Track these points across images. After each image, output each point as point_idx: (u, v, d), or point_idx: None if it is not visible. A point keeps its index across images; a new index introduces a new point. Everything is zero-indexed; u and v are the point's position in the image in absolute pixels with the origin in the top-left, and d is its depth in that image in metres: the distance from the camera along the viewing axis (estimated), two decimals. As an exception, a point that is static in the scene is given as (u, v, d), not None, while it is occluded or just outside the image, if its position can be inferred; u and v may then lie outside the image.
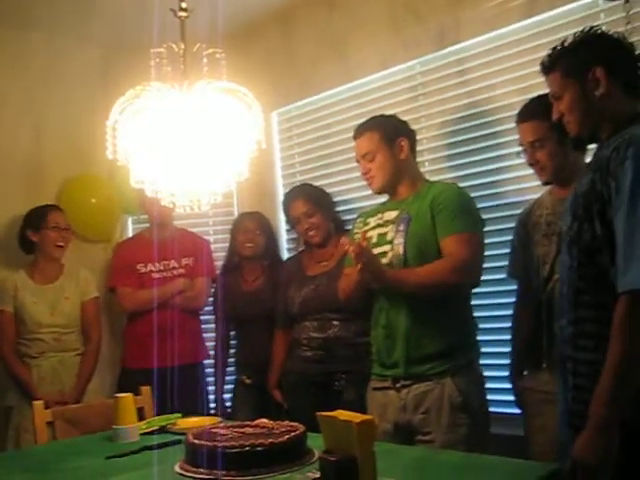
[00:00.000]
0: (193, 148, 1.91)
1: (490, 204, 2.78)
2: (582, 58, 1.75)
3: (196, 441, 1.83)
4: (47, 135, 3.71)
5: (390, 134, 2.50)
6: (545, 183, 2.35)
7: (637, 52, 1.79)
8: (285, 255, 3.58)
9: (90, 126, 3.74)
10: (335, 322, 2.90)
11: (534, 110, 2.25)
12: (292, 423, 1.98)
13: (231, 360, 3.51)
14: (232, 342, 3.52)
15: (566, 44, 1.80)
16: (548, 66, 1.83)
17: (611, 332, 1.55)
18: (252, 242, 3.35)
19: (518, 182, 2.77)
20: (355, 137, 2.58)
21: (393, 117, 2.62)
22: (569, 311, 1.71)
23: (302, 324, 3.01)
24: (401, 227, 2.41)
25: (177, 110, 1.92)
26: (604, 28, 1.90)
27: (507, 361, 2.56)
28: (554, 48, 1.82)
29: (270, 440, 1.79)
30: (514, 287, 2.55)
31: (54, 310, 3.28)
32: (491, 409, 2.44)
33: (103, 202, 3.72)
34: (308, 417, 1.92)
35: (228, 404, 3.48)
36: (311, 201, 3.06)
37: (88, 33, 3.76)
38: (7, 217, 3.51)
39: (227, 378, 3.51)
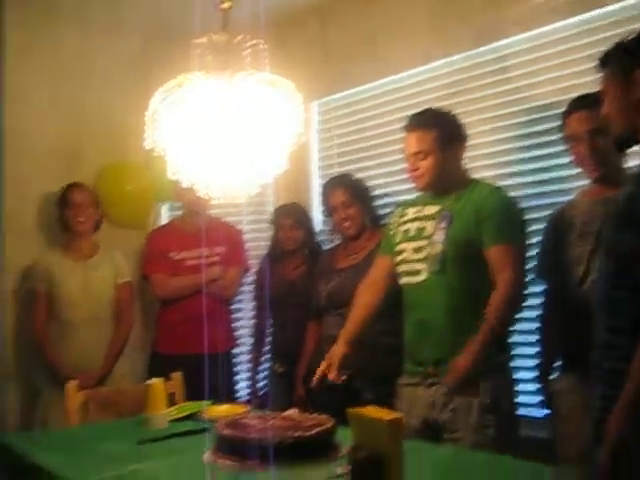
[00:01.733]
0: (233, 139, 1.92)
1: (528, 204, 2.74)
2: (629, 59, 1.72)
3: (226, 431, 1.84)
4: (85, 122, 3.76)
5: (447, 137, 2.43)
6: (594, 180, 2.29)
7: None
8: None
9: (127, 114, 3.77)
10: None
11: (589, 100, 2.18)
12: (321, 416, 1.99)
13: (267, 348, 3.55)
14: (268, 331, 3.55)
15: (623, 41, 1.76)
16: (600, 64, 1.80)
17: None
18: (290, 238, 3.37)
19: (556, 183, 2.73)
20: (408, 130, 2.48)
21: (451, 116, 2.51)
22: (604, 320, 1.69)
23: (327, 318, 3.03)
24: (442, 224, 2.38)
25: (218, 101, 1.92)
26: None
27: (534, 362, 2.54)
28: (608, 48, 1.78)
29: (299, 433, 1.80)
30: (541, 288, 2.53)
31: (87, 287, 3.33)
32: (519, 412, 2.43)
33: (138, 189, 3.75)
34: (330, 414, 1.94)
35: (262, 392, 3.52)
36: (350, 191, 3.05)
37: (128, 21, 3.79)
38: (47, 198, 3.57)
39: (263, 366, 3.56)
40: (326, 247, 3.46)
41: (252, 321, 3.63)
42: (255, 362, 3.54)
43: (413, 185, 2.53)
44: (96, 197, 3.47)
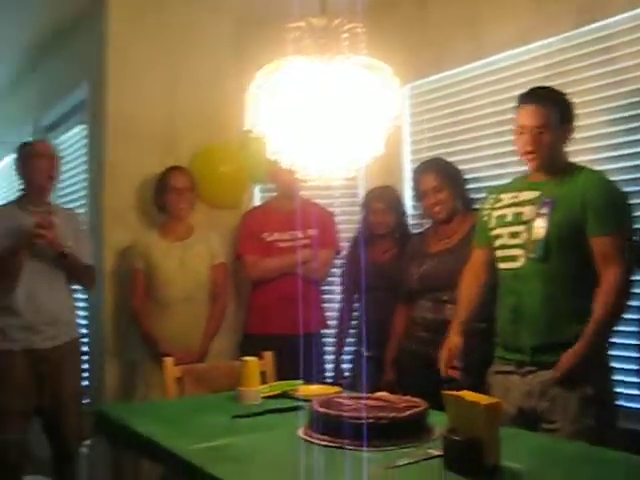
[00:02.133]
0: (331, 122, 1.93)
1: (630, 189, 2.64)
2: None
3: (321, 409, 1.88)
4: (182, 103, 3.84)
5: (565, 115, 2.38)
6: None
7: None
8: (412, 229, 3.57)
9: (222, 96, 3.87)
10: (448, 305, 2.87)
11: None
12: (413, 398, 2.00)
13: (352, 331, 3.56)
14: (355, 314, 3.56)
15: None
16: None
17: None
18: (382, 222, 3.36)
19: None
20: (528, 103, 2.39)
21: (565, 96, 2.44)
22: None
23: (419, 302, 3.01)
24: (543, 210, 2.32)
25: (317, 84, 1.94)
26: None
27: (634, 354, 2.47)
28: None
29: (393, 414, 1.81)
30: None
31: (183, 267, 3.40)
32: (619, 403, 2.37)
33: (232, 170, 3.81)
34: (420, 398, 1.94)
35: (346, 374, 3.54)
36: (442, 176, 3.02)
37: (222, 4, 3.86)
38: (146, 180, 3.67)
39: (347, 349, 3.57)
40: (416, 231, 3.45)
41: (338, 304, 3.64)
42: (340, 345, 3.56)
43: (527, 163, 2.44)
44: (193, 179, 3.54)
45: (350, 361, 3.54)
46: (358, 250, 3.37)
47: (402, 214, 3.44)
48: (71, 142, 4.40)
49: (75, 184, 4.29)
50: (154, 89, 3.77)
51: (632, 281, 2.30)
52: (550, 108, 2.35)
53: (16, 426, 3.06)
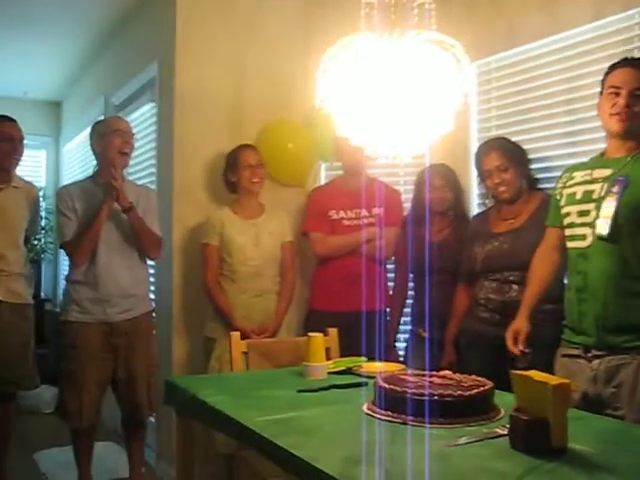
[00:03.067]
0: (400, 99, 1.92)
1: None
2: None
3: (386, 385, 1.89)
4: (250, 80, 3.88)
5: None
6: None
7: None
8: (474, 210, 3.53)
9: (290, 73, 3.89)
10: (514, 285, 2.83)
11: None
12: (479, 378, 2.00)
13: (406, 310, 3.55)
14: (409, 293, 3.56)
15: None
16: None
17: None
18: (440, 199, 3.33)
19: None
20: (624, 66, 2.34)
21: None
22: None
23: (482, 282, 2.97)
24: (615, 188, 2.26)
25: (387, 61, 1.93)
26: None
27: None
28: None
29: (459, 392, 1.81)
30: None
31: (258, 243, 3.45)
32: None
33: (299, 148, 3.83)
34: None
35: (400, 353, 3.54)
36: (506, 155, 2.96)
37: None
38: (213, 157, 3.74)
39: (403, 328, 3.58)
40: (477, 211, 3.40)
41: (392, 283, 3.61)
42: (393, 324, 3.53)
43: (614, 125, 2.34)
44: (262, 157, 3.57)
45: (405, 341, 3.53)
46: (411, 229, 3.33)
47: (459, 192, 3.40)
48: (141, 120, 4.50)
49: (145, 161, 4.39)
50: (221, 66, 3.82)
51: None
52: None
53: (91, 395, 3.18)
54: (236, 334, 2.82)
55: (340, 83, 1.97)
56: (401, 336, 3.62)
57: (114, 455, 4.06)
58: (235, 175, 3.51)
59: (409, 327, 3.55)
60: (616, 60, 2.43)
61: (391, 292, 3.58)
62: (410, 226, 3.41)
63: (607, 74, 2.39)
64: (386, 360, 2.98)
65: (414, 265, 3.37)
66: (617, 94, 2.31)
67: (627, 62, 2.36)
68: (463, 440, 1.65)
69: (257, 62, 3.90)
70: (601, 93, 2.41)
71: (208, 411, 2.11)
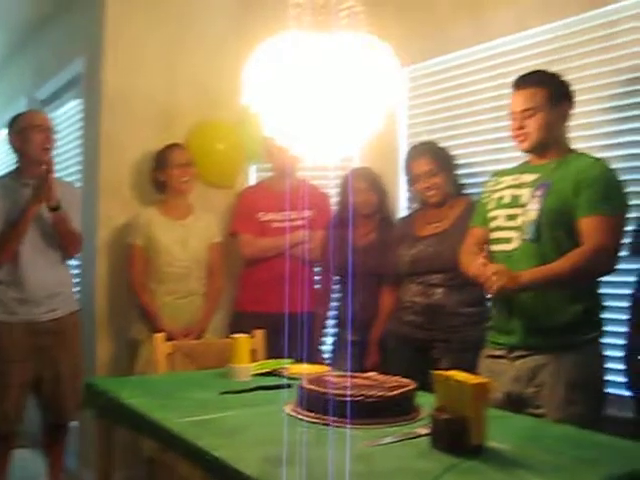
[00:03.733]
0: (328, 100, 1.92)
1: (629, 177, 2.63)
2: None
3: (309, 386, 1.88)
4: (180, 79, 3.82)
5: (557, 95, 2.39)
6: None
7: None
8: (402, 212, 3.56)
9: (222, 73, 3.84)
10: (439, 289, 2.88)
11: None
12: (402, 379, 2.01)
13: (332, 314, 3.55)
14: (335, 296, 3.55)
15: None
16: None
17: None
18: (365, 202, 3.33)
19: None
20: (518, 87, 2.44)
21: (559, 76, 2.47)
22: None
23: (407, 286, 3.00)
24: (538, 192, 2.33)
25: (315, 61, 1.92)
26: None
27: (621, 341, 2.48)
28: None
29: (381, 393, 1.82)
30: (633, 266, 2.45)
31: (184, 244, 3.42)
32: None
33: (229, 148, 3.80)
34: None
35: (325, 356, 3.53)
36: (435, 160, 3.01)
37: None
38: (142, 156, 3.67)
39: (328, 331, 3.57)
40: (403, 214, 3.43)
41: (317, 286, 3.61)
42: (318, 327, 3.51)
43: (518, 146, 2.46)
44: (192, 157, 3.54)
45: (332, 344, 3.53)
46: (336, 232, 3.32)
47: (384, 196, 3.41)
48: (67, 116, 4.38)
49: (70, 159, 4.27)
50: (151, 65, 3.75)
51: (612, 258, 2.26)
52: (538, 90, 2.37)
53: (14, 398, 3.08)
54: (160, 335, 2.78)
55: (267, 82, 1.95)
56: (328, 339, 3.61)
57: (32, 462, 3.92)
58: (164, 174, 3.47)
59: (335, 330, 3.54)
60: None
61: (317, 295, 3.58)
62: (335, 229, 3.40)
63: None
64: (313, 362, 2.98)
65: (339, 268, 3.37)
66: (514, 118, 2.42)
67: (519, 83, 2.45)
68: (384, 440, 1.65)
69: (188, 61, 3.84)
70: None
71: (129, 414, 2.07)
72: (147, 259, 3.39)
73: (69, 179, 4.03)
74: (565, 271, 2.22)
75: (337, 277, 3.48)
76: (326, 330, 3.57)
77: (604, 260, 2.25)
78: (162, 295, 3.35)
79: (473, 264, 2.40)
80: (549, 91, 2.37)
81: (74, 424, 3.53)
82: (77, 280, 3.83)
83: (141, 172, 3.65)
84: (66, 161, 4.32)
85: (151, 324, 3.29)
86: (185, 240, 3.42)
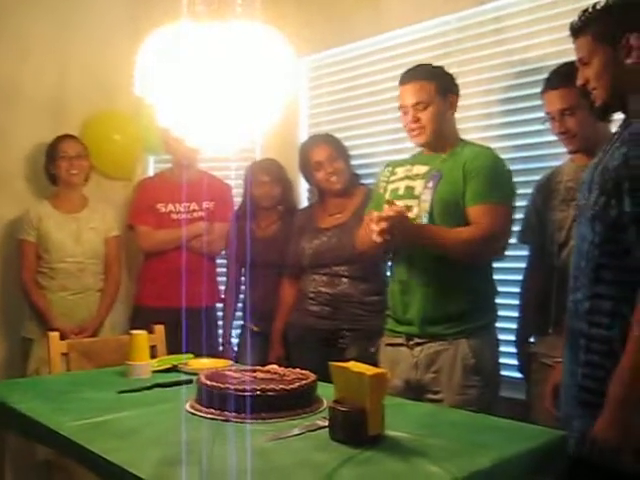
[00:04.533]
0: (223, 91, 1.88)
1: (517, 167, 2.72)
2: (616, 22, 1.67)
3: (208, 382, 1.85)
4: (72, 69, 3.69)
5: (444, 87, 2.44)
6: (572, 152, 2.31)
7: None
8: (304, 203, 3.57)
9: (116, 62, 3.69)
10: (344, 279, 2.90)
11: (564, 77, 2.18)
12: (303, 371, 2.00)
13: (239, 305, 3.53)
14: (242, 287, 3.53)
15: (599, 6, 1.71)
16: (578, 28, 1.74)
17: (635, 315, 1.52)
18: (267, 194, 3.32)
19: (544, 148, 2.71)
20: (405, 83, 2.46)
21: (443, 69, 2.52)
22: (586, 286, 1.68)
23: (311, 277, 3.00)
24: (430, 184, 2.37)
25: (209, 51, 1.88)
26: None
27: (513, 325, 2.57)
28: (586, 10, 1.73)
29: (281, 386, 1.81)
30: (523, 252, 2.55)
31: (78, 239, 3.33)
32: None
33: (126, 139, 3.70)
34: (310, 371, 1.95)
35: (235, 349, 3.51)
36: (334, 147, 3.03)
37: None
38: (34, 147, 3.53)
39: (235, 323, 3.55)
40: (302, 206, 3.43)
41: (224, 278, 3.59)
42: (228, 319, 3.52)
43: (413, 140, 2.49)
44: (86, 149, 3.43)
45: (238, 336, 3.51)
46: (241, 224, 3.30)
47: (287, 187, 3.41)
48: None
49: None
50: (41, 54, 3.60)
51: (496, 241, 2.34)
52: (426, 83, 2.41)
53: None
54: (54, 334, 2.67)
55: (160, 72, 1.89)
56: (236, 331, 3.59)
57: None
58: (54, 166, 3.36)
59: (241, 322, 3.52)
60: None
61: (223, 287, 3.54)
62: (238, 221, 3.37)
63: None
64: (222, 356, 2.95)
65: (243, 260, 3.35)
66: (405, 112, 2.45)
67: (407, 77, 2.48)
68: (282, 435, 1.64)
69: (81, 48, 3.69)
70: None
71: (19, 419, 1.97)
72: (38, 255, 3.28)
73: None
74: (449, 238, 2.29)
75: (243, 269, 3.46)
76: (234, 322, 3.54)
77: (490, 244, 2.32)
78: (55, 292, 3.26)
79: (362, 226, 2.43)
80: (438, 84, 2.42)
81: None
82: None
83: (34, 164, 3.51)
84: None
85: (43, 322, 3.19)
86: (78, 234, 3.33)
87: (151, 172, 3.93)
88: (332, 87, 3.61)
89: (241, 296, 3.54)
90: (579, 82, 1.77)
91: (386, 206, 2.25)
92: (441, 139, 2.45)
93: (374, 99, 3.37)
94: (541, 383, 2.31)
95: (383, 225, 2.19)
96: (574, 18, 1.78)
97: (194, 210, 3.44)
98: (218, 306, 3.57)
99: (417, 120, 2.42)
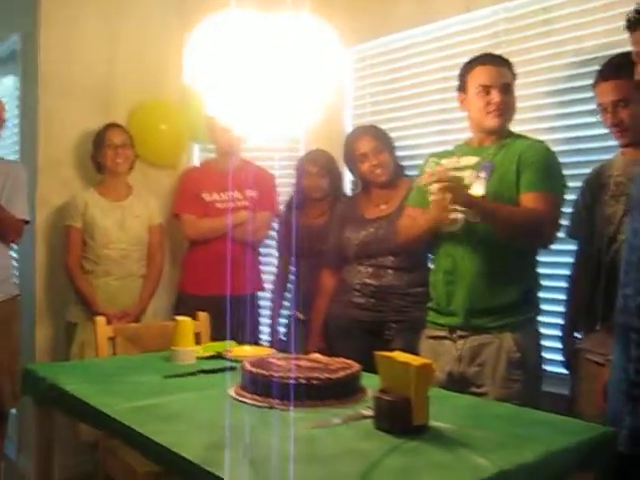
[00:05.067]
0: (270, 80, 1.89)
1: (567, 160, 2.67)
2: None
3: (253, 369, 1.87)
4: (121, 59, 3.73)
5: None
6: (624, 145, 2.27)
7: None
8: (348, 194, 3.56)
9: (164, 52, 3.76)
10: (390, 270, 2.89)
11: (617, 68, 2.14)
12: (347, 360, 2.01)
13: (289, 295, 3.55)
14: (290, 277, 3.55)
15: None
16: (634, 22, 1.71)
17: None
18: (316, 186, 3.33)
19: (594, 141, 2.66)
20: (485, 63, 2.44)
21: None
22: (637, 280, 1.66)
23: (356, 268, 2.99)
24: (482, 174, 2.35)
25: (256, 40, 1.89)
26: None
27: (558, 320, 2.54)
28: None
29: (326, 375, 1.82)
30: (571, 247, 2.51)
31: (122, 226, 3.37)
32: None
33: (172, 128, 3.73)
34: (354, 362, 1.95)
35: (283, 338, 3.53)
36: (379, 139, 3.02)
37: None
38: (82, 136, 3.58)
39: (284, 312, 3.57)
40: (347, 196, 3.43)
41: (276, 268, 3.62)
42: (276, 308, 3.55)
43: (493, 120, 2.42)
44: (132, 138, 3.47)
45: (286, 325, 3.54)
46: (291, 214, 3.34)
47: (336, 178, 3.41)
48: (2, 93, 4.22)
49: (8, 137, 4.12)
50: (90, 43, 3.64)
51: (546, 227, 2.33)
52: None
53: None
54: (101, 319, 2.73)
55: (209, 60, 1.91)
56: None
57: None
58: (100, 155, 3.41)
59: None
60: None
61: (273, 277, 3.58)
62: (290, 211, 3.40)
63: (467, 72, 2.47)
64: (269, 344, 2.97)
65: (293, 250, 3.35)
66: (488, 92, 2.40)
67: (487, 60, 2.45)
68: (328, 423, 1.65)
69: (129, 38, 3.74)
70: (462, 90, 2.49)
71: (69, 400, 2.02)
72: (84, 241, 3.33)
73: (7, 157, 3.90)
74: (503, 210, 2.29)
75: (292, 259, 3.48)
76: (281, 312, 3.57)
77: (541, 227, 2.31)
78: (99, 277, 3.31)
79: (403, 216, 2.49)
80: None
81: (13, 412, 3.45)
82: (15, 264, 3.72)
83: (82, 152, 3.56)
84: (4, 139, 4.16)
85: (87, 307, 3.25)
86: (123, 222, 3.38)
87: (196, 161, 3.96)
88: (378, 78, 3.60)
89: (289, 285, 3.56)
90: (637, 77, 1.73)
91: (438, 168, 2.25)
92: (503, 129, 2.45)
93: (420, 90, 3.35)
94: (587, 379, 2.27)
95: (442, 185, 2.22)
96: (625, 8, 1.74)
97: (238, 199, 3.46)
98: (260, 295, 3.59)
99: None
